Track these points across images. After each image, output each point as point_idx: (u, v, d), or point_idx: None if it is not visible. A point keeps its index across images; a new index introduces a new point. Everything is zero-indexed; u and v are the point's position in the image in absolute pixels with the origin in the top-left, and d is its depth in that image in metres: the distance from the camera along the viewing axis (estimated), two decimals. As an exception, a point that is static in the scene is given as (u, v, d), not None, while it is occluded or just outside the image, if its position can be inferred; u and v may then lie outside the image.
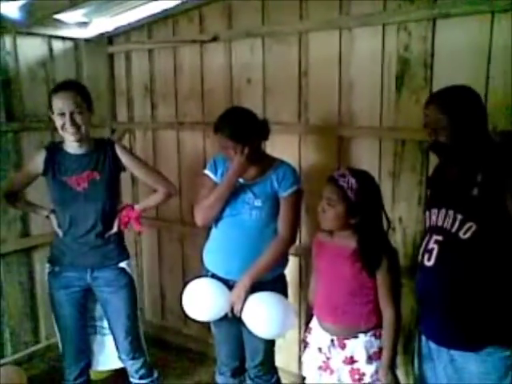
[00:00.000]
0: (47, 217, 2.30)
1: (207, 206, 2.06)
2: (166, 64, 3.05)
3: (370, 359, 1.76)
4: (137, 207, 2.35)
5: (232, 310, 2.00)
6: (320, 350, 1.84)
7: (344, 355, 1.78)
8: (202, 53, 2.87)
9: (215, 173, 2.13)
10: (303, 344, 1.96)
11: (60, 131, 2.10)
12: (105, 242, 2.23)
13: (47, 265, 2.30)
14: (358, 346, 1.76)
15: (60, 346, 2.39)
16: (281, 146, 2.49)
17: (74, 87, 2.13)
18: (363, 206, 1.73)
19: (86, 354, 2.40)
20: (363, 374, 1.76)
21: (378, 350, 1.77)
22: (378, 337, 1.78)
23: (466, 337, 1.62)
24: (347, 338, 1.77)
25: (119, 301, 2.27)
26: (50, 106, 2.09)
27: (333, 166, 2.36)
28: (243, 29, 2.65)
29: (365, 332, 1.77)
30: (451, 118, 1.57)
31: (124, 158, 2.23)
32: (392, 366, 1.74)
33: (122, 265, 2.28)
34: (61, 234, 2.23)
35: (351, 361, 1.77)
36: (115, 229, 2.25)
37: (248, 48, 2.67)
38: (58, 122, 2.08)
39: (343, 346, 1.78)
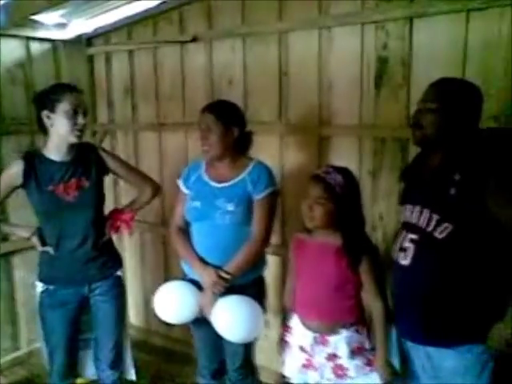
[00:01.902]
0: (28, 238, 2.14)
1: (173, 245, 2.16)
2: (147, 65, 3.04)
3: (352, 354, 1.76)
4: (128, 210, 2.31)
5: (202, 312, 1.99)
6: (302, 348, 1.84)
7: (327, 352, 1.78)
8: (183, 53, 2.86)
9: (187, 181, 2.13)
10: (281, 344, 1.94)
11: (64, 132, 2.00)
12: (100, 251, 2.16)
13: (39, 283, 2.15)
14: (340, 341, 1.76)
15: (46, 359, 2.29)
16: (262, 146, 2.47)
17: (78, 89, 2.07)
18: (348, 203, 1.73)
19: (74, 371, 2.32)
20: (346, 370, 1.76)
21: (359, 345, 1.78)
22: (359, 332, 1.79)
23: (441, 334, 1.63)
24: (329, 335, 1.77)
25: (112, 310, 2.23)
26: (51, 107, 1.98)
27: (313, 165, 2.36)
28: (223, 29, 2.66)
29: (347, 327, 1.77)
30: (445, 107, 1.57)
31: (108, 161, 2.20)
32: (388, 360, 1.75)
33: (119, 273, 2.26)
34: (51, 251, 2.10)
35: (334, 357, 1.77)
36: (107, 235, 2.21)
37: (228, 48, 2.67)
38: (65, 122, 1.98)
39: (325, 343, 1.78)
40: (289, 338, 1.91)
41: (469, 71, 1.96)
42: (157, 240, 3.25)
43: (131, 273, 3.42)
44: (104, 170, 2.19)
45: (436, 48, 2.04)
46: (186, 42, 2.78)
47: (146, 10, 2.83)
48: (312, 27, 2.36)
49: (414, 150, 1.86)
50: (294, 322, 1.89)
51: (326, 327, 1.78)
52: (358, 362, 1.76)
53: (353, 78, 2.28)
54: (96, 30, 3.09)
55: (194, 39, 2.74)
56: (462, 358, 1.60)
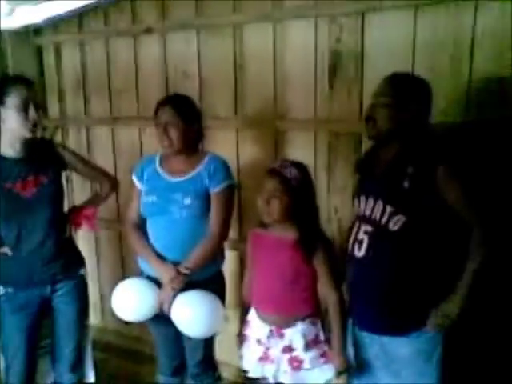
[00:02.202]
0: None
1: (130, 242, 2.15)
2: (99, 57, 2.96)
3: (307, 346, 1.78)
4: (89, 206, 2.25)
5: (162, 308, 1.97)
6: (259, 341, 1.85)
7: (283, 344, 1.80)
8: (136, 45, 2.80)
9: (141, 175, 2.09)
10: (240, 338, 1.95)
11: (16, 127, 1.91)
12: (62, 249, 2.09)
13: None
14: (296, 334, 1.78)
15: (2, 369, 2.20)
16: (218, 141, 2.48)
17: (29, 81, 1.97)
18: (304, 197, 1.75)
19: (32, 381, 2.21)
20: (301, 362, 1.78)
21: (315, 337, 1.80)
22: (314, 324, 1.81)
23: (396, 323, 1.67)
24: (285, 327, 1.79)
25: (74, 310, 2.17)
26: (0, 101, 1.89)
27: (270, 159, 2.35)
28: (177, 21, 2.61)
29: (302, 320, 1.79)
30: (398, 101, 1.61)
31: (66, 157, 2.14)
32: (343, 349, 1.78)
33: (82, 272, 2.20)
34: (9, 252, 2.01)
35: (290, 349, 1.79)
36: (69, 233, 2.15)
37: (183, 40, 2.63)
38: (16, 116, 1.89)
39: (282, 336, 1.80)
40: (247, 331, 1.91)
41: (418, 66, 2.00)
42: (113, 237, 3.18)
43: (87, 271, 3.33)
44: (62, 165, 2.14)
45: (388, 43, 2.08)
46: (139, 33, 2.72)
47: (97, 1, 2.74)
48: (267, 20, 2.35)
49: (367, 144, 1.89)
50: (252, 315, 1.90)
51: (282, 320, 1.80)
52: (313, 353, 1.79)
53: (307, 72, 2.28)
54: (44, 19, 2.97)
55: (148, 31, 2.69)
56: (415, 344, 1.65)
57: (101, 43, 2.92)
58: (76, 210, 2.23)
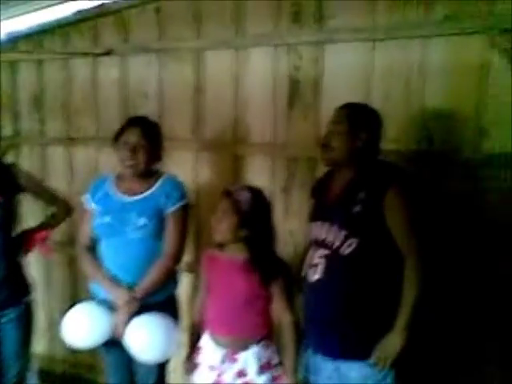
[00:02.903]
0: None
1: (81, 265, 2.08)
2: (57, 76, 2.92)
3: (261, 369, 1.77)
4: (41, 229, 2.18)
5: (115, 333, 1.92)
6: (212, 367, 1.82)
7: (236, 369, 1.77)
8: (96, 66, 2.78)
9: (94, 196, 2.06)
10: (189, 364, 1.91)
11: None
12: (10, 275, 2.02)
13: None
14: (249, 357, 1.77)
15: None
16: (176, 162, 2.47)
17: None
18: (254, 219, 1.76)
19: None
20: None
21: (268, 361, 1.79)
22: (268, 347, 1.81)
23: (349, 348, 1.68)
24: (239, 351, 1.78)
25: (18, 338, 2.09)
26: None
27: (228, 182, 2.36)
28: (139, 43, 2.62)
29: (256, 343, 1.78)
30: (353, 129, 1.67)
31: (21, 179, 2.08)
32: (296, 372, 1.77)
33: (29, 299, 2.13)
34: None
35: (243, 374, 1.77)
36: (20, 256, 2.08)
37: (144, 63, 2.64)
38: None
39: (235, 360, 1.78)
40: (199, 358, 1.88)
41: (373, 96, 2.08)
42: (63, 260, 3.07)
43: (34, 296, 3.19)
44: (17, 188, 2.07)
45: (345, 73, 2.15)
46: (100, 54, 2.71)
47: (56, 20, 2.72)
48: (228, 46, 2.39)
49: (323, 169, 1.93)
50: (205, 340, 1.87)
51: (236, 343, 1.78)
52: (266, 377, 1.77)
53: (267, 98, 2.33)
54: (2, 36, 2.92)
55: (108, 52, 2.68)
56: (366, 368, 1.66)
57: (59, 63, 2.89)
58: (28, 234, 2.16)
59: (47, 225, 2.25)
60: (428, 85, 1.99)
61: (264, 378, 1.77)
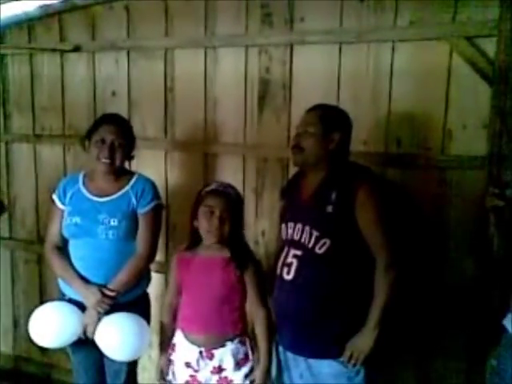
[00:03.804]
0: None
1: (50, 264, 2.05)
2: (22, 72, 2.85)
3: (237, 365, 1.80)
4: None
5: (85, 332, 1.91)
6: (188, 364, 1.82)
7: (212, 365, 1.79)
8: (63, 63, 2.72)
9: (63, 197, 2.03)
10: (162, 363, 1.91)
11: None
12: None
13: None
14: (226, 354, 1.79)
15: None
16: (147, 162, 2.46)
17: None
18: (238, 217, 1.81)
19: None
20: (231, 381, 1.79)
21: (244, 357, 1.82)
22: (244, 343, 1.83)
23: (322, 346, 1.72)
24: (215, 348, 1.79)
25: None
26: None
27: (199, 182, 2.37)
28: (107, 41, 2.58)
29: (232, 340, 1.80)
30: (323, 131, 1.70)
31: None
32: (269, 368, 1.80)
33: None
34: None
35: (219, 370, 1.79)
36: None
37: (113, 60, 2.60)
38: None
39: (211, 357, 1.79)
40: (172, 356, 1.88)
41: (342, 98, 2.12)
42: (31, 259, 3.01)
43: (-1, 295, 3.14)
44: None
45: (314, 74, 2.18)
46: (67, 51, 2.66)
47: (20, 14, 2.64)
48: (198, 46, 2.39)
49: (294, 170, 1.97)
50: (178, 338, 1.87)
51: (212, 340, 1.80)
52: (243, 373, 1.80)
53: (238, 98, 2.34)
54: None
55: (76, 49, 2.63)
56: (339, 364, 1.70)
57: (24, 58, 2.82)
58: None
59: None
60: (396, 88, 2.04)
61: (240, 373, 1.79)
